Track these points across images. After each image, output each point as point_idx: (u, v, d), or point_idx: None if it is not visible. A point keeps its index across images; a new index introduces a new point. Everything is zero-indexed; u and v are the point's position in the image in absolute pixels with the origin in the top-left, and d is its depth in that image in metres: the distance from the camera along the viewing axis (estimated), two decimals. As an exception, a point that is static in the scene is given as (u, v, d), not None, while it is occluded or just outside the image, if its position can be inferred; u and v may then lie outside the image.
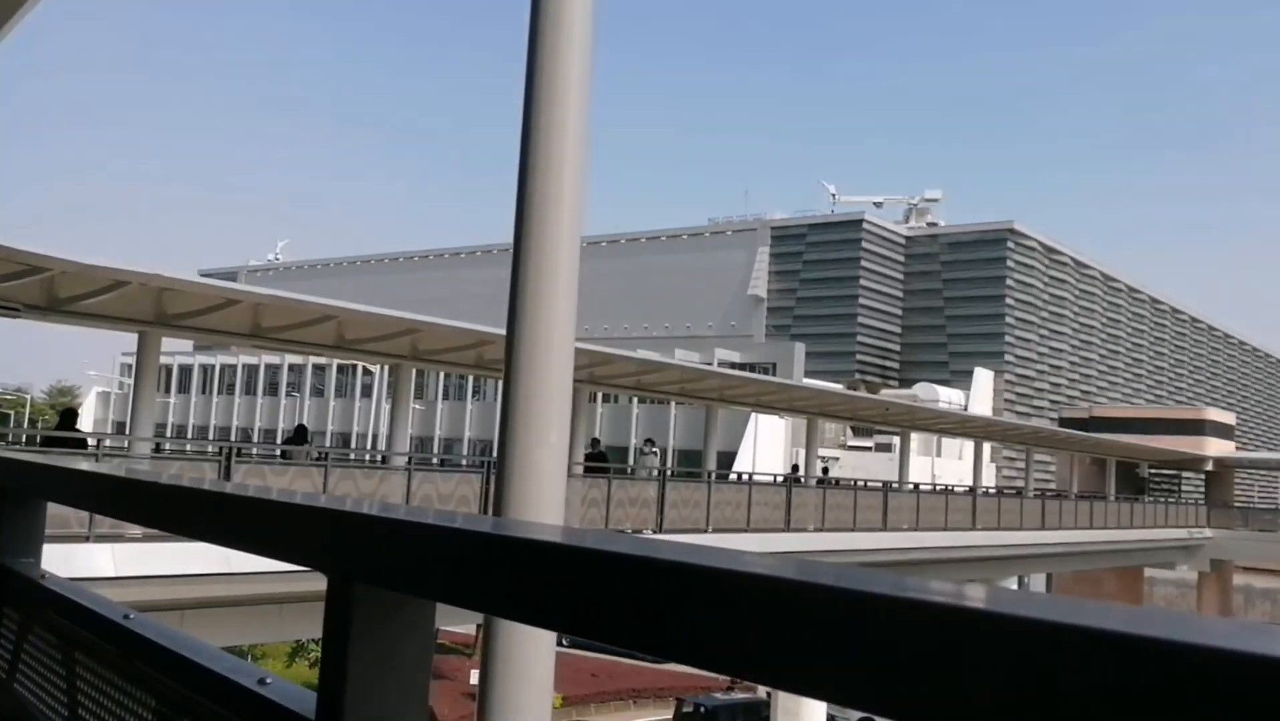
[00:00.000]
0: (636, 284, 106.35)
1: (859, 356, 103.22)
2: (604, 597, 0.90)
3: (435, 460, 38.41)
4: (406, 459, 20.49)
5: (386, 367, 30.89)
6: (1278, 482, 69.74)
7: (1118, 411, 61.70)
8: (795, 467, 44.49)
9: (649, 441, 25.71)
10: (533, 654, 2.89)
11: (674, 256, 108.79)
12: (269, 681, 1.39)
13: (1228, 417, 52.52)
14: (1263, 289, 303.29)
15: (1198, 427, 49.05)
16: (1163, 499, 48.88)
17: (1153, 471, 53.98)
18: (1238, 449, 57.81)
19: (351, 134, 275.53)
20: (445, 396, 67.96)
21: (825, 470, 43.68)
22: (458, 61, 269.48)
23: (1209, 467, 49.25)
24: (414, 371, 27.55)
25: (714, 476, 26.44)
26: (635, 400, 54.98)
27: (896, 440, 42.23)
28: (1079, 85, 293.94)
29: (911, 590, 0.62)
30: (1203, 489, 51.79)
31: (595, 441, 26.40)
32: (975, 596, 0.61)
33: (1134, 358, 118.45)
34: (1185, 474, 54.95)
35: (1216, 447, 48.80)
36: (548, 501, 2.84)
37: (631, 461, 41.39)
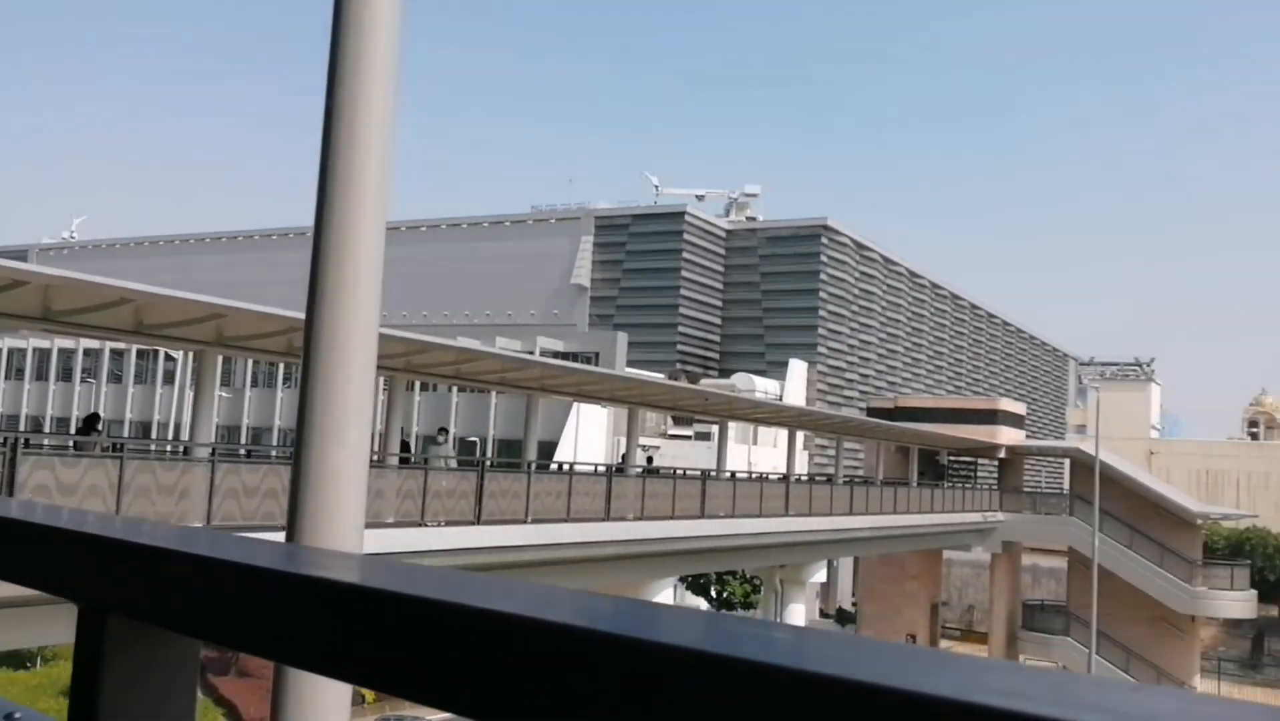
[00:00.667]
0: (458, 270, 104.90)
1: (680, 347, 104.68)
2: (408, 649, 0.76)
3: (242, 450, 36.86)
4: (210, 450, 19.50)
5: (190, 354, 29.40)
6: (1061, 469, 74.59)
7: (921, 401, 64.65)
8: (650, 460, 44.85)
9: (442, 430, 25.04)
10: (325, 702, 2.60)
11: (497, 243, 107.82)
12: (18, 716, 1.26)
13: (1019, 408, 55.77)
14: (1050, 286, 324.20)
15: (992, 417, 51.87)
16: (960, 484, 51.57)
17: (952, 458, 56.82)
18: (1027, 437, 61.46)
19: (156, 106, 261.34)
20: (254, 384, 65.32)
21: (650, 460, 44.16)
22: (269, 31, 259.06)
23: (1001, 455, 52.19)
24: (220, 358, 26.30)
25: (534, 466, 26.28)
26: (455, 389, 54.19)
27: (715, 429, 43.06)
28: (896, 88, 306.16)
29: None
30: (996, 475, 54.90)
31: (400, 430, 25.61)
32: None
33: (936, 350, 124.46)
34: (980, 461, 58.11)
35: (1008, 436, 51.74)
36: (347, 508, 2.63)
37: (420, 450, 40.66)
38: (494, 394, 50.26)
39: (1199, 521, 49.89)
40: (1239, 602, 47.04)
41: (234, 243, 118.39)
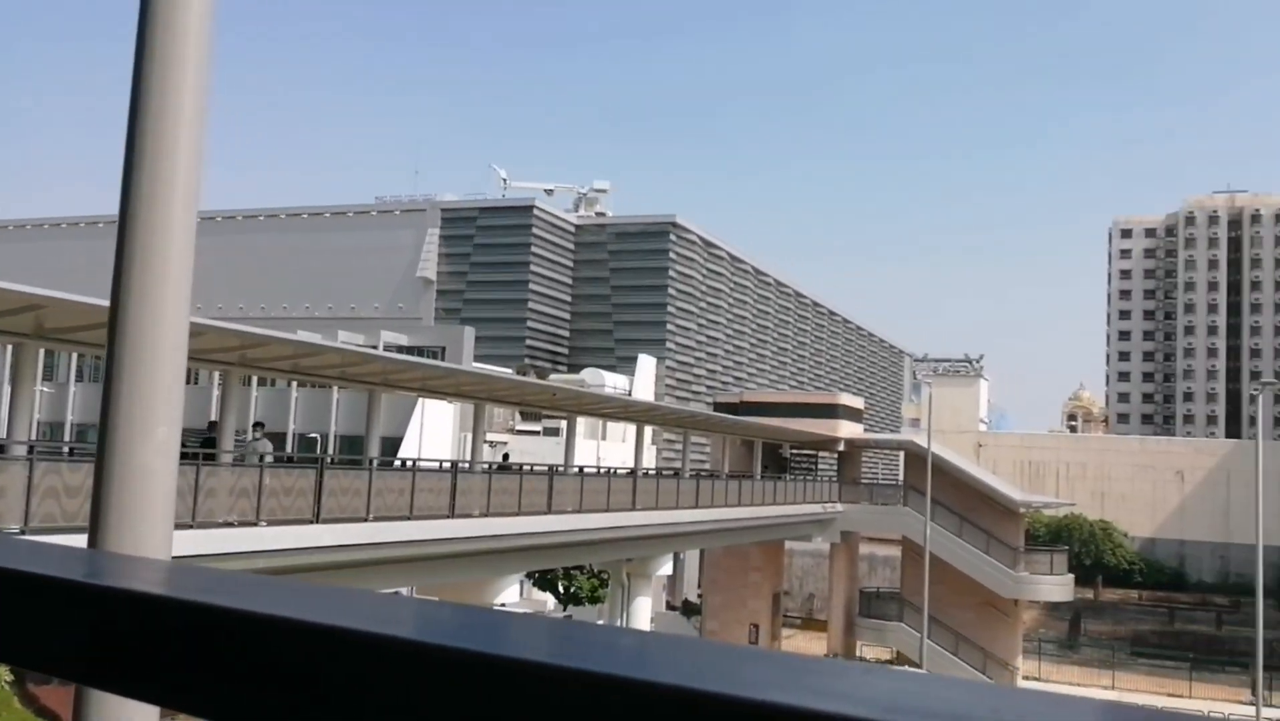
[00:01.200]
0: (298, 262, 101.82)
1: (529, 342, 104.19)
2: (219, 667, 0.67)
3: (65, 449, 34.94)
4: (28, 447, 18.41)
5: (9, 347, 27.70)
6: (897, 461, 77.42)
7: (765, 396, 66.08)
8: (506, 456, 44.31)
9: (258, 425, 24.05)
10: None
11: (339, 235, 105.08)
12: None
13: (858, 402, 57.62)
14: (886, 284, 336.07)
15: (832, 411, 53.43)
16: (802, 477, 52.97)
17: (794, 451, 58.30)
18: (865, 430, 63.56)
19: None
20: (79, 378, 61.99)
21: (506, 456, 43.82)
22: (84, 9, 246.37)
23: (841, 448, 53.81)
24: (40, 351, 24.86)
25: (376, 463, 25.75)
26: (294, 384, 52.61)
27: (564, 425, 43.05)
28: (744, 91, 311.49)
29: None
30: (836, 467, 56.60)
31: (212, 425, 24.30)
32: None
33: (780, 346, 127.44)
34: (821, 454, 59.81)
35: (848, 430, 53.38)
36: (154, 509, 2.49)
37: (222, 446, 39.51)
38: (335, 389, 49.02)
39: (1022, 510, 52.52)
40: (1058, 586, 49.73)
41: (58, 230, 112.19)
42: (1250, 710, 34.88)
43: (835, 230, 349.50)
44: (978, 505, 50.29)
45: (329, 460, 26.14)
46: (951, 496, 50.13)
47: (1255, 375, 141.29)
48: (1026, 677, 50.72)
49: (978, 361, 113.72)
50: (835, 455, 55.82)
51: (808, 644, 59.15)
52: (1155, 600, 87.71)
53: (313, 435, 53.06)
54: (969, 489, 50.82)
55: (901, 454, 57.25)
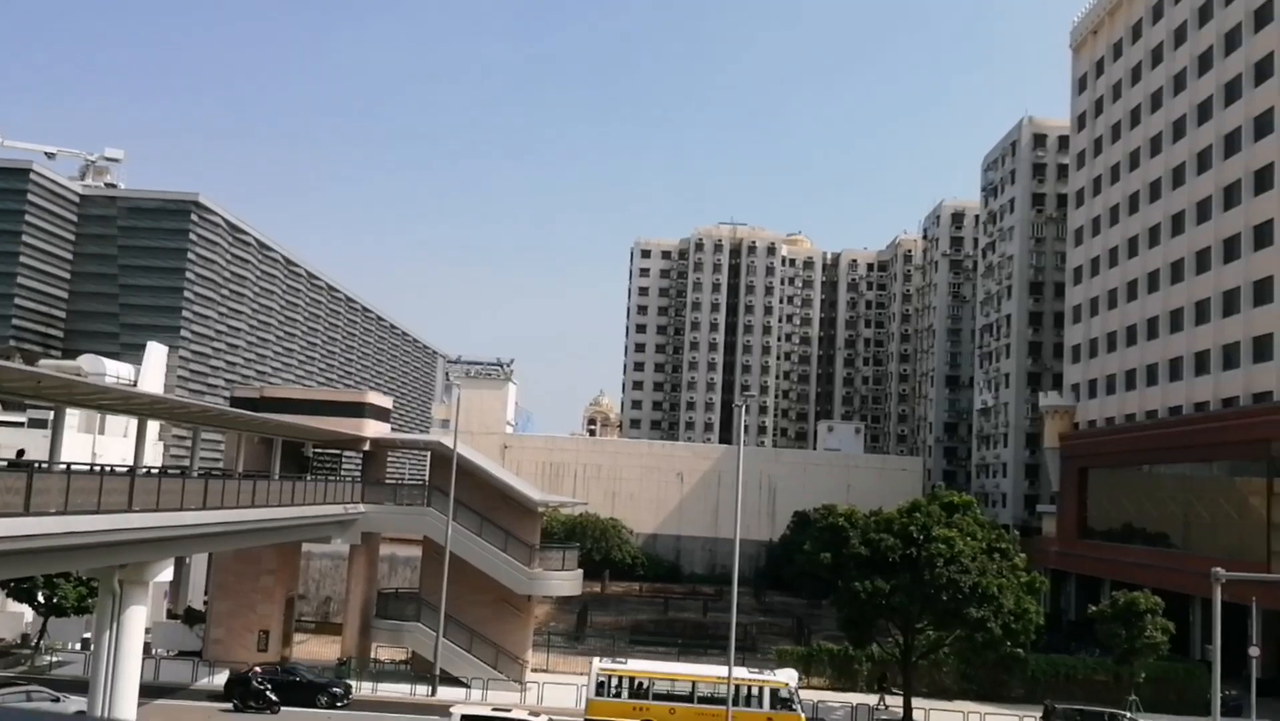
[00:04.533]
0: None
1: (17, 321, 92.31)
2: None
3: None
4: None
5: None
6: (424, 461, 77.68)
7: (288, 392, 63.40)
8: (21, 452, 38.10)
9: None
10: None
11: None
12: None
13: (386, 401, 57.01)
14: (423, 284, 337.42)
15: (359, 410, 52.41)
16: (324, 477, 51.39)
17: (317, 451, 56.49)
18: (394, 430, 63.04)
19: None
20: None
21: (20, 452, 38.05)
22: None
23: (366, 447, 52.94)
24: None
25: None
26: None
27: (52, 416, 38.28)
28: (301, 79, 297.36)
29: None
30: (361, 467, 55.57)
31: None
32: None
33: (310, 341, 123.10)
34: (346, 453, 58.45)
35: (374, 429, 52.63)
36: None
37: None
38: None
39: (540, 509, 54.72)
40: (568, 581, 52.37)
41: None
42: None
43: (373, 229, 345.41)
44: (499, 505, 51.67)
45: None
46: (475, 497, 51.08)
47: (745, 388, 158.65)
48: (536, 670, 52.82)
49: (508, 365, 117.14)
50: (360, 454, 54.80)
51: (321, 648, 57.50)
52: (654, 591, 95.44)
53: None
54: (492, 489, 52.07)
55: (428, 454, 57.43)
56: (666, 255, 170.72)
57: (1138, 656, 47.68)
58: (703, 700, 40.82)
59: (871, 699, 49.66)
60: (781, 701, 40.96)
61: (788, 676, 42.41)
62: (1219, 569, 49.19)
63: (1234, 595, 50.05)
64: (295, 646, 55.76)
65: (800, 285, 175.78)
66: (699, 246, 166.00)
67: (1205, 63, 73.19)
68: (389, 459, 58.49)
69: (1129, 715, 39.31)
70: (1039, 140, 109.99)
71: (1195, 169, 73.38)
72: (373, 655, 53.82)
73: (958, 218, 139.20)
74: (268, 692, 42.47)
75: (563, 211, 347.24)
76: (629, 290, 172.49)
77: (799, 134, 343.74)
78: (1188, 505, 70.40)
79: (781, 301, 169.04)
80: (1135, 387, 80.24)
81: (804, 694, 49.89)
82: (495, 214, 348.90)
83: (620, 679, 41.32)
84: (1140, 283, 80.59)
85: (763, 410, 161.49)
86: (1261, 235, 64.43)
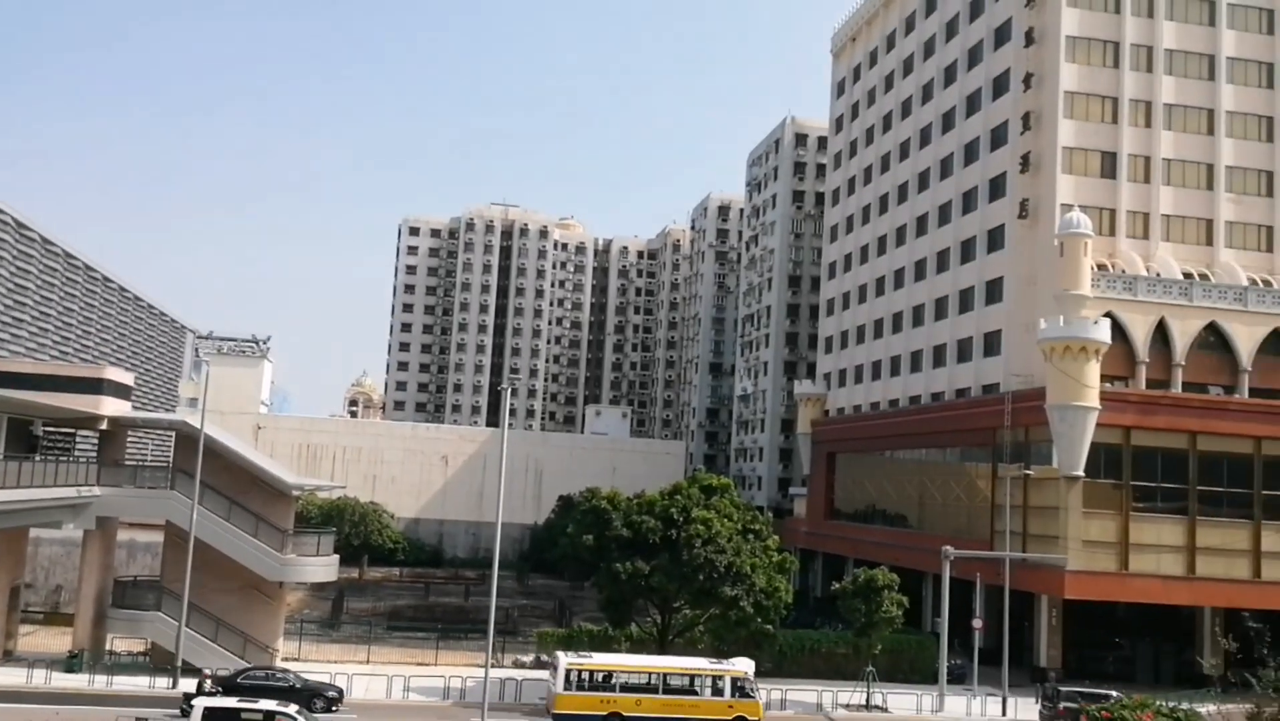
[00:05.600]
0: None
1: None
2: None
3: None
4: None
5: None
6: (169, 441, 73.31)
7: (17, 366, 58.30)
8: None
9: None
10: None
11: None
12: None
13: (127, 377, 53.31)
14: (171, 254, 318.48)
15: (97, 386, 48.76)
16: (54, 458, 47.60)
17: (48, 429, 52.31)
18: (135, 408, 59.20)
19: None
20: None
21: None
22: None
23: (104, 426, 49.44)
24: None
25: None
26: None
27: None
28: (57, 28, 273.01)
29: None
30: (98, 447, 51.83)
31: None
32: None
33: (43, 311, 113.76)
34: (82, 432, 54.41)
35: (113, 407, 49.13)
36: None
37: None
38: None
39: (295, 493, 52.66)
40: (323, 567, 50.65)
41: None
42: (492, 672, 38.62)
43: (116, 193, 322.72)
44: (251, 488, 49.40)
45: None
46: (224, 480, 48.63)
47: (514, 371, 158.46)
48: (286, 659, 50.94)
49: (265, 342, 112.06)
50: (97, 433, 51.10)
51: (50, 640, 53.38)
52: (415, 576, 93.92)
53: None
54: (243, 472, 49.71)
55: (173, 434, 54.19)
56: (436, 233, 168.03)
57: (875, 629, 50.68)
58: (668, 690, 41.16)
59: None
60: (739, 690, 41.71)
61: (746, 666, 43.30)
62: (948, 547, 53.21)
63: (961, 571, 54.10)
64: (21, 638, 51.52)
65: (572, 270, 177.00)
66: (470, 226, 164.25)
67: (950, 75, 78.38)
68: (130, 439, 54.81)
69: (1114, 695, 41.54)
70: (800, 139, 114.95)
71: (939, 175, 78.55)
72: (108, 646, 50.39)
73: (724, 210, 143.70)
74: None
75: (329, 184, 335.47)
76: (396, 268, 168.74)
77: (577, 119, 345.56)
78: (923, 488, 75.50)
79: (552, 285, 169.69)
80: (880, 378, 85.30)
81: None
82: (262, 180, 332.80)
83: (587, 672, 41.35)
84: (887, 279, 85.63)
85: (531, 394, 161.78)
86: (994, 239, 69.68)
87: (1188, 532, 58.13)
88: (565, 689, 40.73)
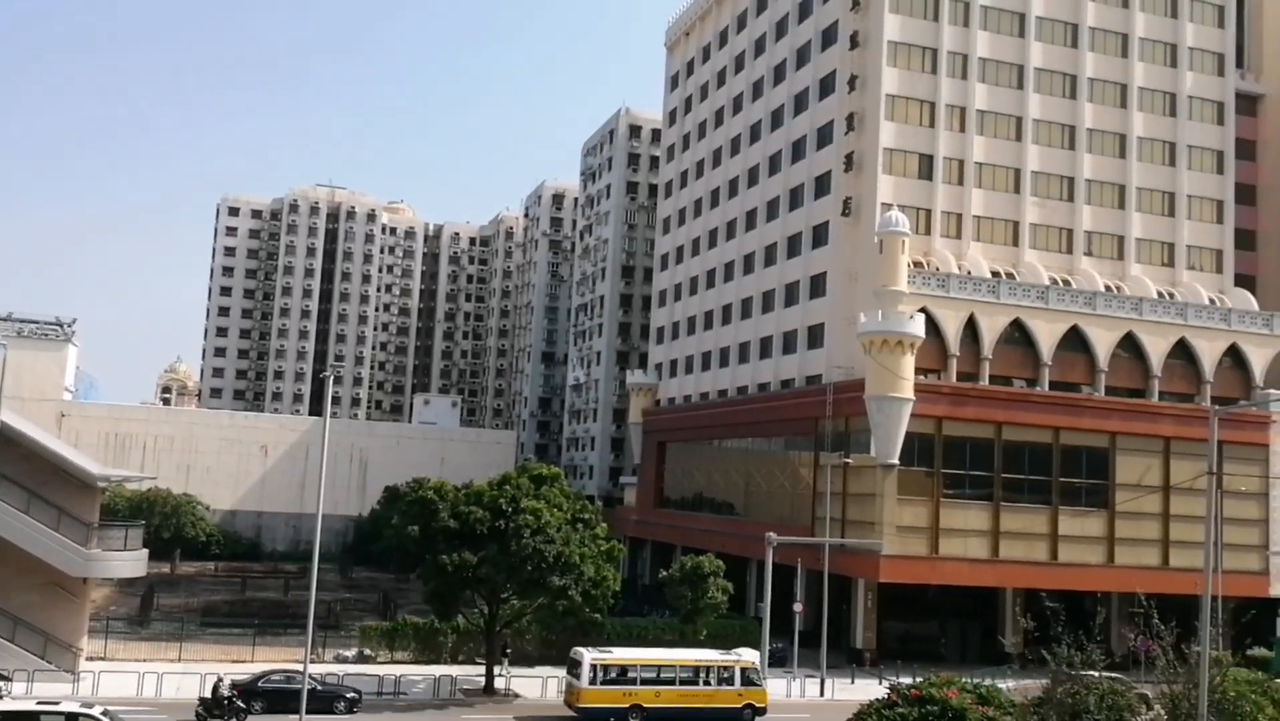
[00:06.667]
0: None
1: None
2: None
3: None
4: None
5: None
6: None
7: None
8: None
9: None
10: None
11: None
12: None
13: (-89, 360, 49.30)
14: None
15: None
16: None
17: None
18: (-80, 394, 54.78)
19: None
20: None
21: None
22: None
23: (-117, 413, 45.57)
24: None
25: None
26: None
27: None
28: None
29: None
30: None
31: None
32: None
33: None
34: None
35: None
36: None
37: None
38: None
39: (101, 484, 49.85)
40: (131, 562, 48.14)
41: None
42: (311, 667, 37.40)
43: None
44: (52, 479, 46.46)
45: None
46: (22, 469, 45.58)
47: (339, 358, 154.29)
48: (91, 658, 48.25)
49: (69, 325, 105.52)
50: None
51: None
52: (231, 570, 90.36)
53: None
54: (43, 462, 46.67)
55: (-37, 422, 50.34)
56: (258, 215, 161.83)
57: (701, 615, 51.63)
58: (684, 682, 42.62)
59: (455, 670, 50.11)
60: (747, 679, 43.26)
61: (752, 656, 45.13)
62: (772, 534, 54.61)
63: (784, 557, 55.65)
64: None
65: (401, 255, 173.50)
66: (294, 208, 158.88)
67: (780, 74, 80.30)
68: (-87, 427, 50.58)
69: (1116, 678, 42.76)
70: (635, 131, 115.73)
71: (768, 171, 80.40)
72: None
73: (558, 199, 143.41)
74: (235, 701, 37.89)
75: (143, 159, 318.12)
76: (214, 250, 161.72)
77: (411, 100, 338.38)
78: (749, 476, 77.33)
79: (381, 271, 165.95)
80: (710, 369, 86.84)
81: (388, 669, 49.50)
82: (71, 153, 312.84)
83: (610, 667, 42.30)
84: (718, 272, 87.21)
85: (357, 382, 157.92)
86: (819, 235, 71.83)
87: (993, 517, 61.39)
88: (591, 683, 41.63)
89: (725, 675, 43.21)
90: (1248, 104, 79.39)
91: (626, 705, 41.70)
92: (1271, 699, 28.55)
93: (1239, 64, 78.35)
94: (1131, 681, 29.07)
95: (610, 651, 44.30)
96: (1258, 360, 68.12)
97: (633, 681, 42.21)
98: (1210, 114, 73.95)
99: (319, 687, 40.99)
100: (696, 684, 43.01)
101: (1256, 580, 63.48)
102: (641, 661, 43.42)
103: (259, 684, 40.97)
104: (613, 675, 42.23)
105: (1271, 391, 65.91)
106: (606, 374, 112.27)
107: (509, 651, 52.18)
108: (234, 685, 39.50)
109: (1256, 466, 65.19)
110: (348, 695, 41.69)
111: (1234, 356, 68.07)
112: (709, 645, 52.97)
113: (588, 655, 42.46)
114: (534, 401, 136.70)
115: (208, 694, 39.01)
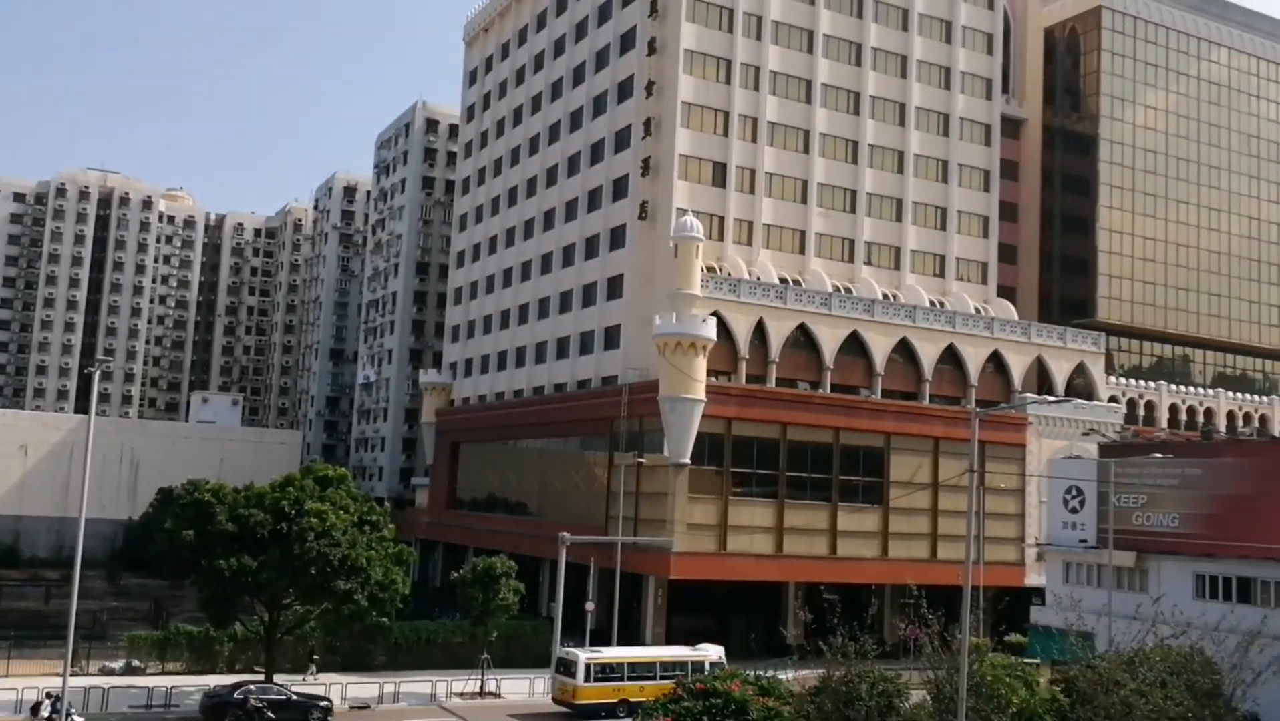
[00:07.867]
0: None
1: None
2: None
3: None
4: None
5: None
6: None
7: None
8: None
9: None
10: None
11: None
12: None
13: None
14: None
15: None
16: None
17: None
18: None
19: None
20: None
21: None
22: None
23: None
24: None
25: None
26: None
27: None
28: None
29: None
30: None
31: None
32: None
33: None
34: None
35: None
36: None
37: None
38: None
39: None
40: None
41: None
42: (72, 680, 34.94)
43: None
44: None
45: None
46: None
47: (110, 353, 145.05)
48: None
49: None
50: None
51: None
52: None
53: None
54: None
55: None
56: (20, 198, 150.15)
57: (492, 617, 51.21)
58: (663, 676, 44.73)
59: (230, 678, 47.94)
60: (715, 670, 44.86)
61: (716, 651, 48.39)
62: (565, 533, 54.80)
63: (577, 556, 55.93)
64: None
65: (179, 245, 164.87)
66: (61, 192, 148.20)
67: (579, 76, 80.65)
68: None
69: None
70: (431, 125, 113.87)
71: (566, 172, 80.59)
72: None
73: (350, 191, 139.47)
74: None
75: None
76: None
77: (193, 85, 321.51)
78: (544, 476, 77.32)
79: (157, 261, 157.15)
80: (506, 368, 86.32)
81: (158, 680, 46.88)
82: None
83: (602, 665, 45.62)
84: (515, 271, 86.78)
85: (129, 378, 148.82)
86: (616, 238, 72.57)
87: (777, 514, 63.57)
88: (585, 681, 44.87)
89: (696, 667, 45.49)
90: (1012, 127, 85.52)
91: (615, 699, 45.02)
92: (1024, 680, 30.66)
93: (1005, 90, 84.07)
94: (901, 668, 30.61)
95: (600, 651, 47.80)
96: (1017, 366, 73.24)
97: (619, 677, 45.64)
98: (979, 135, 78.97)
99: (293, 697, 42.59)
100: (671, 676, 44.63)
101: (1013, 571, 68.19)
102: (626, 659, 47.10)
103: (234, 695, 41.64)
104: (604, 673, 45.56)
105: (1028, 395, 71.02)
106: (398, 372, 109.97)
107: (316, 657, 50.62)
108: (246, 693, 41.24)
109: (1015, 465, 70.02)
110: (321, 704, 43.11)
111: (996, 362, 72.94)
112: (500, 646, 52.75)
113: (582, 655, 45.82)
114: (321, 400, 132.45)
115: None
